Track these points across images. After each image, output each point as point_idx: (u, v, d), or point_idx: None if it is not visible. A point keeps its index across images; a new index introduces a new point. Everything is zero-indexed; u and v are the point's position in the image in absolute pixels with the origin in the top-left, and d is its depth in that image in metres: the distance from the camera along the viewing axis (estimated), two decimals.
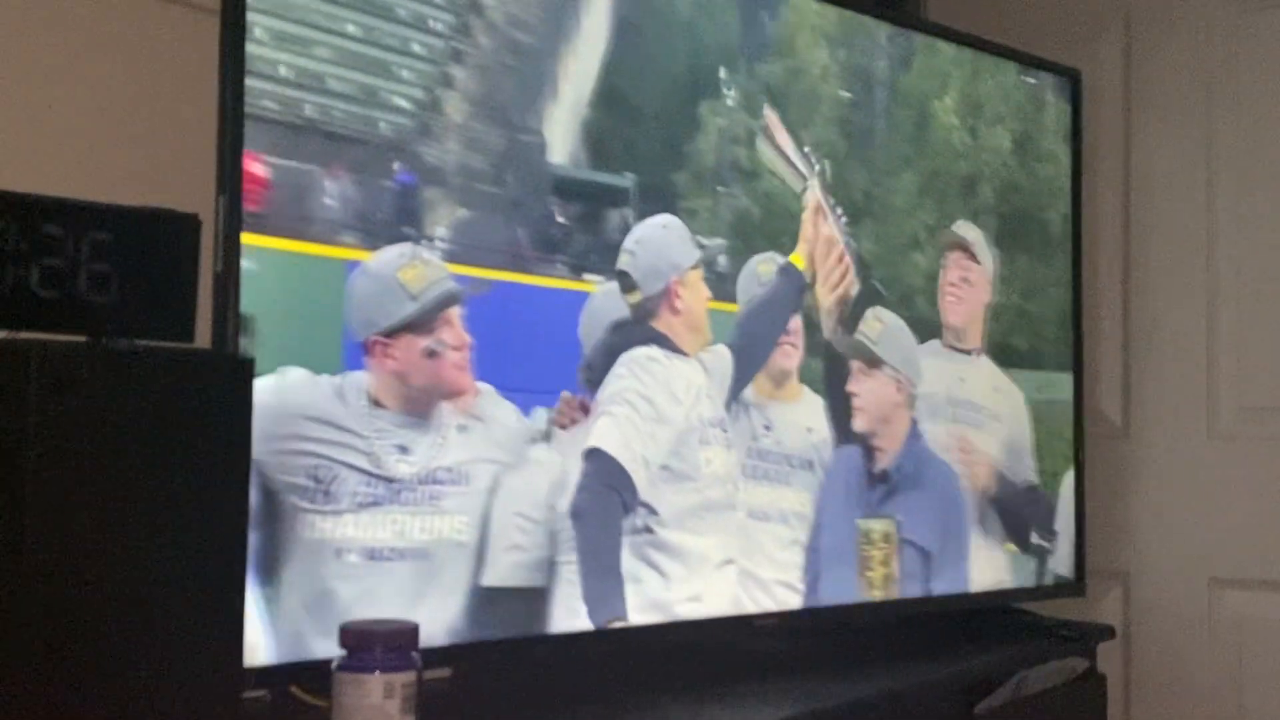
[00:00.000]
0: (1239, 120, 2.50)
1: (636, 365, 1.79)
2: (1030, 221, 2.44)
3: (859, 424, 2.08)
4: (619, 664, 1.80)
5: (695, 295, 1.88)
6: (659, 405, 1.80)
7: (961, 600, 2.23)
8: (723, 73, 1.97)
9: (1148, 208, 2.60)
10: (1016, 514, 2.33)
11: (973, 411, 2.27)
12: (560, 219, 1.76)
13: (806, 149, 2.06)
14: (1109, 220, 2.62)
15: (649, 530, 1.77)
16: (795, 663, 1.94)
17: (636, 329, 1.80)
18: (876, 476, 2.10)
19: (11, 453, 0.98)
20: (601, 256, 1.79)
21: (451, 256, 1.62)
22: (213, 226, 1.37)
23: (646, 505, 1.77)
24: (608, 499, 1.73)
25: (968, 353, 2.28)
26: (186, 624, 1.06)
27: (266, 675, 1.40)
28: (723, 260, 1.95)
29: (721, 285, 1.94)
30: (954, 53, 2.33)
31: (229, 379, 1.13)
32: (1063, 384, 2.47)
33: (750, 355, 1.95)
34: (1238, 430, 2.49)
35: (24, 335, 1.03)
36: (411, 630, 1.29)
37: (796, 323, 2.01)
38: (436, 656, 1.45)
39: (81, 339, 1.07)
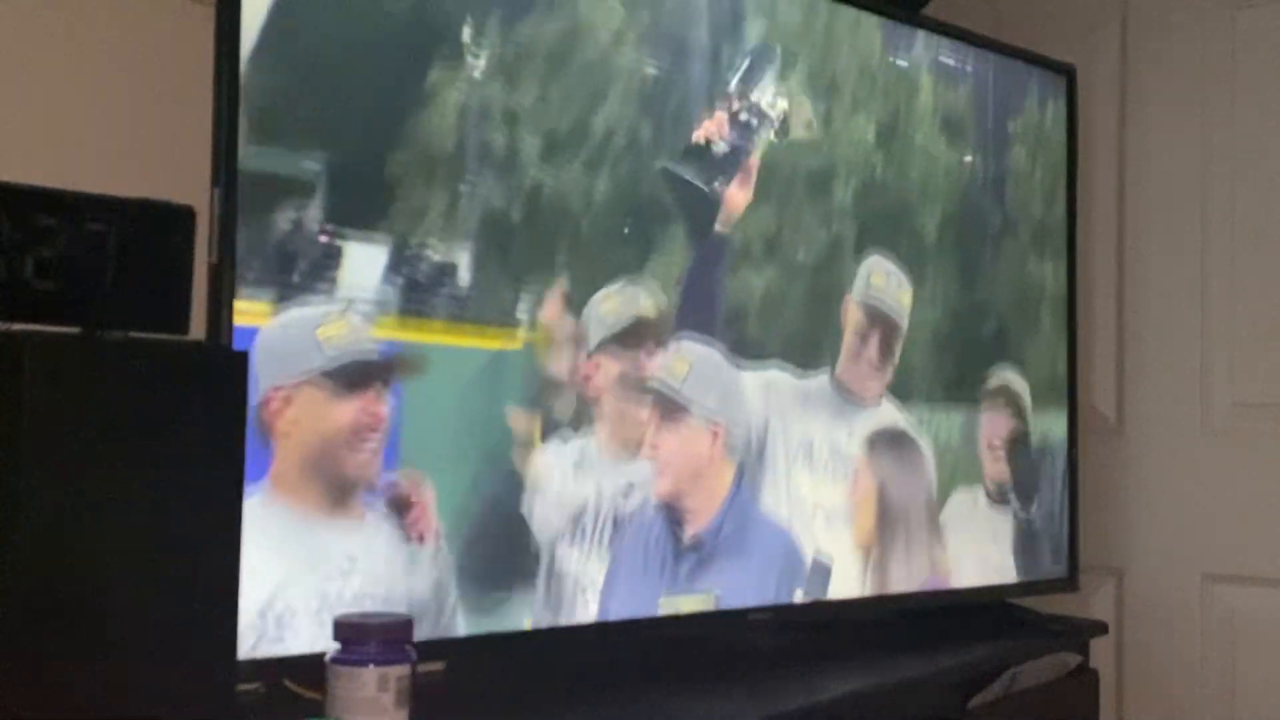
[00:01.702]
0: (1234, 116, 2.50)
1: None
2: (900, 225, 2.07)
3: (661, 486, 1.75)
4: (614, 660, 1.80)
5: None
6: None
7: (956, 595, 2.23)
8: (467, 33, 1.55)
9: (1142, 203, 2.60)
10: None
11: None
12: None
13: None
14: (1103, 216, 2.62)
15: None
16: (788, 657, 1.93)
17: None
18: (686, 545, 1.77)
19: (6, 444, 0.97)
20: (267, 266, 1.40)
21: None
22: (207, 218, 1.37)
23: None
24: None
25: (862, 401, 2.01)
26: (180, 615, 1.06)
27: (260, 668, 1.39)
28: (464, 276, 1.55)
29: (458, 306, 1.55)
30: (801, 18, 1.91)
31: (223, 371, 1.12)
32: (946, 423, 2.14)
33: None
34: (1231, 426, 2.49)
35: (18, 326, 1.03)
36: (405, 623, 1.29)
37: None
38: (430, 650, 1.45)
39: (76, 330, 1.06)
